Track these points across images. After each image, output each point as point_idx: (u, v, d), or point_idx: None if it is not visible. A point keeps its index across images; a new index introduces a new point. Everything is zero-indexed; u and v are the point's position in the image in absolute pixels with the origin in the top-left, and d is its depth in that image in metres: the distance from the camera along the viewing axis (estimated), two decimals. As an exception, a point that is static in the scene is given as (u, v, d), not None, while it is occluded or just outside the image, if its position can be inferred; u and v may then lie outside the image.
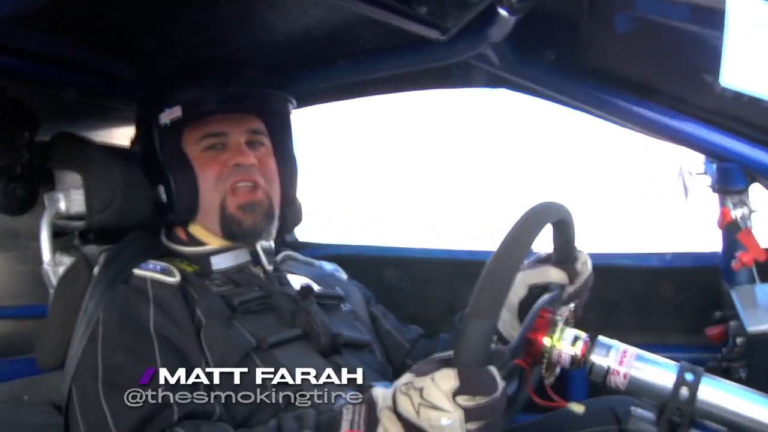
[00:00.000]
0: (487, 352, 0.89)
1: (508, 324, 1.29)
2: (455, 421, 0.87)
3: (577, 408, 1.02)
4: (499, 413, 0.89)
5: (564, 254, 1.24)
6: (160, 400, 1.09)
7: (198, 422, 1.10)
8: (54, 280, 1.42)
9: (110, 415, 1.10)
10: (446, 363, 0.90)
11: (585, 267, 1.26)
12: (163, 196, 1.42)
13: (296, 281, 1.47)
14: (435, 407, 0.87)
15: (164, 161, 1.41)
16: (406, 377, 0.93)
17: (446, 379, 0.88)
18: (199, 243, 1.45)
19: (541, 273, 1.25)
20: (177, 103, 1.37)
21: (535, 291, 1.25)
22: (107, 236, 1.45)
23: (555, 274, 1.24)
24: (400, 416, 0.92)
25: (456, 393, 0.87)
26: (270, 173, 1.47)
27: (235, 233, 1.42)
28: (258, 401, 1.18)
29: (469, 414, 0.87)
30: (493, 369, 0.88)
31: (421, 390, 0.89)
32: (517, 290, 1.28)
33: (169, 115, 1.38)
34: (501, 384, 0.88)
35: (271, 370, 1.22)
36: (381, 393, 0.97)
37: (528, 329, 1.03)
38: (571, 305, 1.17)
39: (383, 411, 0.94)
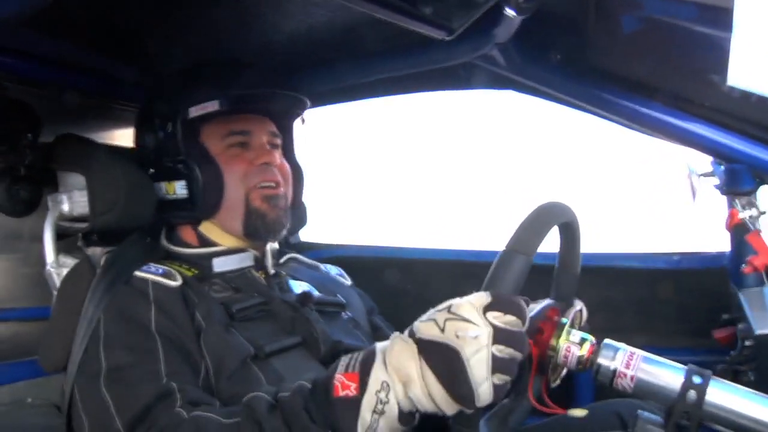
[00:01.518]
0: (521, 284, 0.88)
1: None
2: (483, 335, 0.84)
3: (579, 413, 1.02)
4: (524, 349, 0.87)
5: (563, 293, 1.20)
6: (164, 387, 1.09)
7: (201, 407, 1.08)
8: (57, 282, 1.42)
9: (113, 404, 1.09)
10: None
11: (579, 314, 1.22)
12: (183, 192, 1.41)
13: (297, 286, 1.46)
14: (464, 319, 0.85)
15: (187, 156, 1.41)
16: (428, 312, 0.91)
17: (479, 297, 0.87)
18: (208, 243, 1.44)
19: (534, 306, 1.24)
20: (213, 98, 1.36)
21: None
22: (111, 238, 1.45)
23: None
24: (417, 339, 0.89)
25: (488, 308, 0.85)
26: (287, 174, 1.49)
27: (258, 228, 1.41)
28: None
29: (498, 335, 0.84)
30: (523, 302, 0.88)
31: (449, 307, 0.88)
32: None
33: (203, 108, 1.37)
34: (529, 315, 0.88)
35: (270, 378, 1.21)
36: (384, 342, 0.94)
37: (539, 318, 1.03)
38: (578, 307, 1.16)
39: (395, 338, 0.91)
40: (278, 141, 1.51)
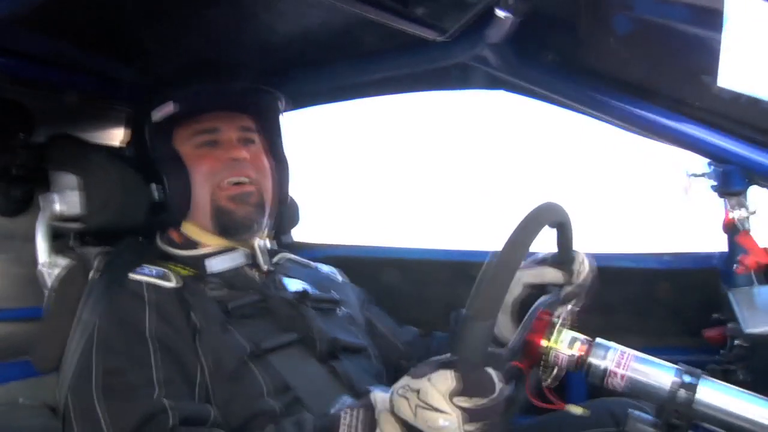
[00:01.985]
0: (485, 353, 0.88)
1: (503, 325, 1.27)
2: (453, 422, 0.86)
3: (576, 410, 1.02)
4: (498, 415, 0.88)
5: (561, 255, 1.22)
6: (155, 405, 1.08)
7: (193, 429, 1.09)
8: (50, 282, 1.41)
9: (105, 420, 1.08)
10: (444, 365, 0.89)
11: (582, 267, 1.24)
12: (157, 195, 1.41)
13: (292, 285, 1.46)
14: (432, 408, 0.87)
15: (156, 159, 1.41)
16: (404, 380, 0.92)
17: (444, 380, 0.87)
18: (194, 243, 1.43)
19: (537, 273, 1.23)
20: (169, 99, 1.37)
21: (532, 291, 1.23)
22: (104, 238, 1.44)
23: (551, 274, 1.22)
24: (398, 418, 0.92)
25: (453, 394, 0.86)
26: (262, 169, 1.47)
27: (227, 226, 1.41)
28: (254, 408, 1.17)
29: (467, 415, 0.86)
30: (491, 370, 0.88)
31: (418, 392, 0.89)
32: (513, 289, 1.25)
33: (161, 111, 1.37)
34: (499, 385, 0.88)
35: (268, 376, 1.21)
36: (379, 397, 0.97)
37: (527, 330, 1.02)
38: (569, 306, 1.17)
39: (382, 414, 0.94)
40: (252, 136, 1.49)
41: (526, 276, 1.24)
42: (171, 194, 1.40)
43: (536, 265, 1.24)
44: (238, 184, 1.41)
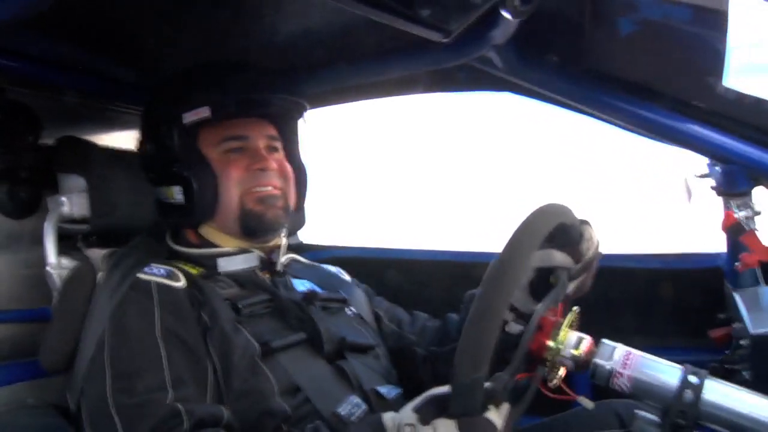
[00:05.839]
0: (481, 400, 0.89)
1: (522, 300, 1.24)
2: None
3: (588, 403, 1.02)
4: None
5: (563, 240, 1.18)
6: (169, 409, 1.09)
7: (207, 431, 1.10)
8: (58, 283, 1.42)
9: (120, 425, 1.09)
10: (446, 411, 0.90)
11: (591, 243, 1.20)
12: (179, 197, 1.41)
13: (301, 285, 1.47)
14: None
15: (183, 161, 1.41)
16: (409, 416, 0.94)
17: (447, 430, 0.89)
18: (210, 245, 1.45)
19: (545, 256, 1.19)
20: (205, 104, 1.37)
21: (542, 272, 1.20)
22: (111, 239, 1.45)
23: (559, 258, 1.18)
24: None
25: None
26: (288, 176, 1.49)
27: (254, 228, 1.42)
28: (265, 407, 1.18)
29: None
30: (491, 415, 0.89)
31: None
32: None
33: (195, 114, 1.37)
34: (500, 428, 0.90)
35: (277, 375, 1.22)
36: (389, 421, 0.98)
37: (526, 343, 1.02)
38: (576, 308, 1.17)
39: None
40: (277, 144, 1.51)
41: (535, 260, 1.19)
42: (198, 196, 1.39)
43: (544, 247, 1.18)
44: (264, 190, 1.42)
